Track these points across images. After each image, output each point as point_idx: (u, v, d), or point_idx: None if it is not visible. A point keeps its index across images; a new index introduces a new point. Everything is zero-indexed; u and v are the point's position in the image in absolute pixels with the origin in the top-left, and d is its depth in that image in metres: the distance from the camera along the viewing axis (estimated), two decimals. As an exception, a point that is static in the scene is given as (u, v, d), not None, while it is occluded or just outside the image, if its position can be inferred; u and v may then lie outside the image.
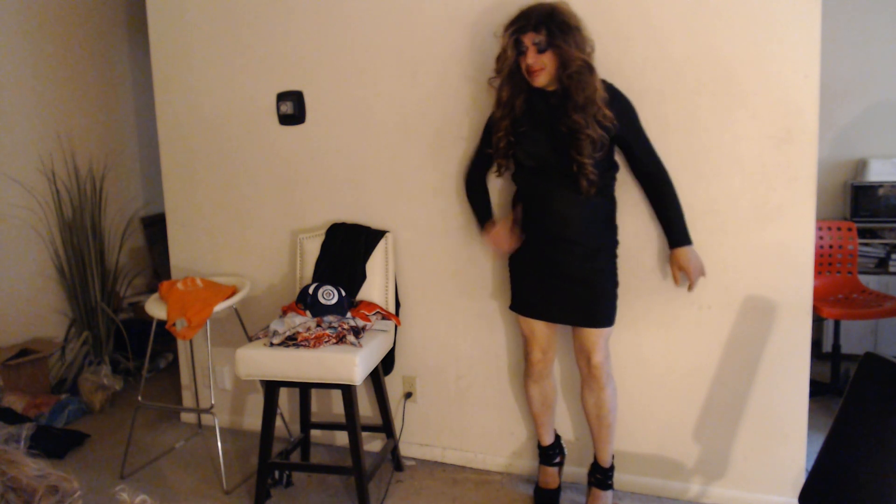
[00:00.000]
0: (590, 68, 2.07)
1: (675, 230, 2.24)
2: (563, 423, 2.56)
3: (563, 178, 2.13)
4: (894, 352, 3.58)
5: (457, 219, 2.62)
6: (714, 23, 2.20)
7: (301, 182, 2.87)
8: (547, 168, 2.17)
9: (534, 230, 2.25)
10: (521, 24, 2.08)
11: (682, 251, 2.22)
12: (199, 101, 3.01)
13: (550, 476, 2.47)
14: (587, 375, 2.27)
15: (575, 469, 2.55)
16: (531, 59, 2.07)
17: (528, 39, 2.07)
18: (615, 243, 2.26)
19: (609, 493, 2.35)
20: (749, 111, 2.20)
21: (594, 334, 2.23)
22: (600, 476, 2.35)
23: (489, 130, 2.30)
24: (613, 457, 2.35)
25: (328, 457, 2.89)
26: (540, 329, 2.31)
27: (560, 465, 2.50)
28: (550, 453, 2.47)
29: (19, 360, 3.30)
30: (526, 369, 2.39)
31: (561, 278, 2.21)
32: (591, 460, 2.39)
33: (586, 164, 2.07)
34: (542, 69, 2.08)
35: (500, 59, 2.16)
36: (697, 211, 2.29)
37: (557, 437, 2.51)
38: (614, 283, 2.24)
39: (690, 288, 2.23)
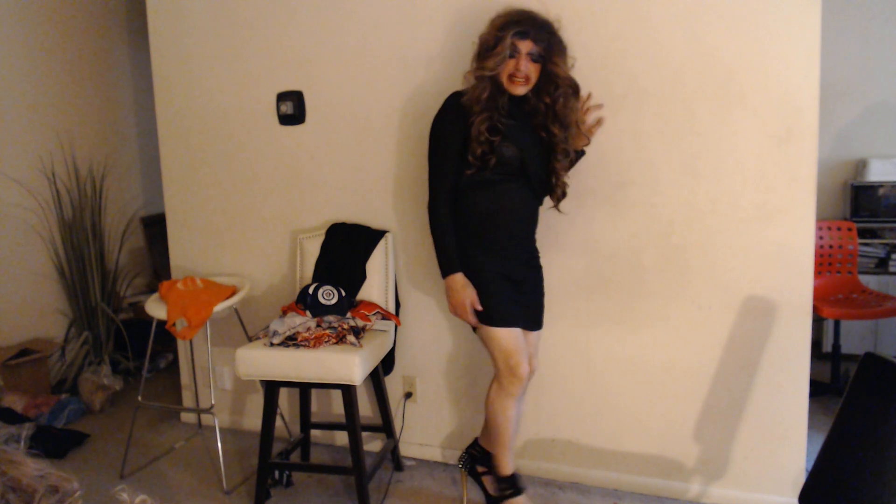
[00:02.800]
0: (576, 92, 2.13)
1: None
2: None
3: (536, 180, 2.16)
4: (894, 352, 3.58)
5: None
6: (714, 23, 2.20)
7: (301, 182, 2.87)
8: (524, 168, 2.12)
9: (495, 234, 2.15)
10: (525, 28, 2.01)
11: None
12: (199, 101, 3.01)
13: None
14: None
15: (570, 468, 2.56)
16: (524, 65, 2.03)
17: (526, 46, 2.02)
18: None
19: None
20: (749, 111, 2.20)
21: (535, 336, 2.31)
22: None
23: (451, 129, 2.13)
24: None
25: (328, 457, 2.89)
26: (522, 337, 2.20)
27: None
28: (517, 478, 2.26)
29: (19, 360, 3.30)
30: (508, 388, 2.16)
31: (520, 283, 2.20)
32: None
33: (562, 175, 2.19)
34: (528, 80, 2.06)
35: (492, 56, 2.03)
36: (697, 211, 2.29)
37: None
38: None
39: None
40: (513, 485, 2.25)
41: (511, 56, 2.02)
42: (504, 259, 2.16)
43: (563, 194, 2.23)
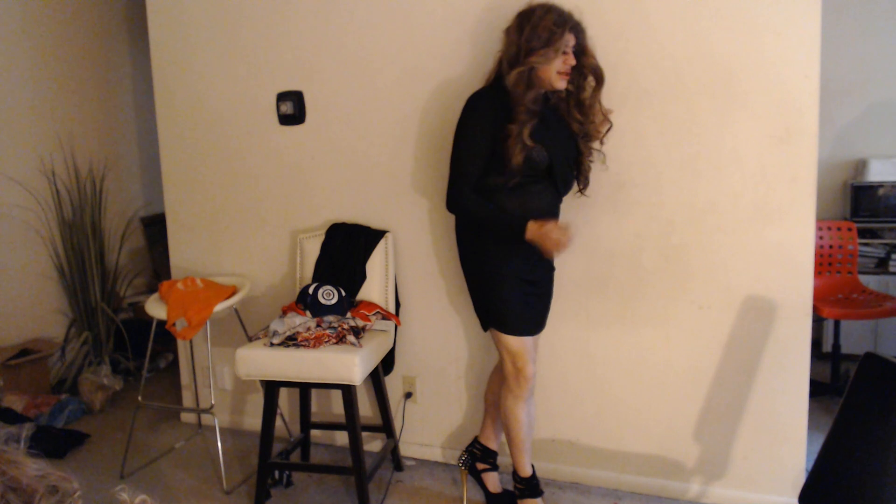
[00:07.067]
0: (602, 81, 2.11)
1: None
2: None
3: (561, 179, 2.14)
4: (894, 352, 3.58)
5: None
6: (714, 23, 2.20)
7: (301, 182, 2.87)
8: (550, 169, 2.09)
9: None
10: (574, 22, 2.02)
11: None
12: (199, 101, 3.01)
13: None
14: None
15: (570, 468, 2.56)
16: (573, 59, 2.04)
17: (572, 41, 2.03)
18: None
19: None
20: (749, 111, 2.20)
21: (538, 336, 2.30)
22: (492, 460, 2.44)
23: (483, 130, 2.07)
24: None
25: (328, 457, 2.89)
26: (530, 340, 2.21)
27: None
28: (536, 482, 2.29)
29: (19, 360, 3.30)
30: (515, 390, 2.17)
31: (535, 283, 2.20)
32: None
33: (587, 162, 2.21)
34: (569, 74, 2.07)
35: (549, 50, 1.97)
36: (697, 211, 2.29)
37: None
38: None
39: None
40: (529, 486, 2.26)
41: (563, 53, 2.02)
42: (526, 260, 2.14)
43: (587, 181, 2.25)
